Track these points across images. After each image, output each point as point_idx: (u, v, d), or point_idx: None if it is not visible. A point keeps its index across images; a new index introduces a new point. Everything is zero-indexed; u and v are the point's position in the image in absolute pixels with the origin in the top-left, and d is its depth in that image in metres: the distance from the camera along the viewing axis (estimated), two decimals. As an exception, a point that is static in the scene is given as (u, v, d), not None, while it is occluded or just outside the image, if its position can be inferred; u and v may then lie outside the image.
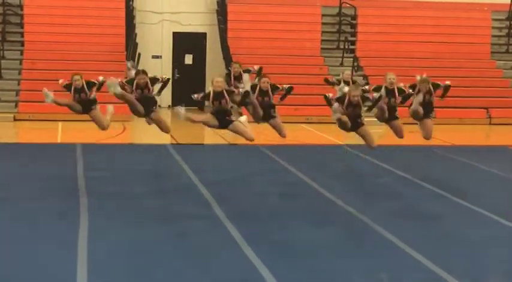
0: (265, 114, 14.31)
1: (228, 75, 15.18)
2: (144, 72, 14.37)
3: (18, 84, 25.27)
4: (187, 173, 15.25)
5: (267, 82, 14.26)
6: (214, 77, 12.86)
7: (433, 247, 10.36)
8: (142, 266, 9.27)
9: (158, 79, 14.52)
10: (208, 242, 10.44)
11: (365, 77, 26.42)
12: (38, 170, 15.43)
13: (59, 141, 19.56)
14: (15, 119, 23.84)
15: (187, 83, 28.73)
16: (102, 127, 14.71)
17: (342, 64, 27.49)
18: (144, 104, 14.07)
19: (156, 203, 12.83)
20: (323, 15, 28.72)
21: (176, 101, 28.64)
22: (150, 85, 14.11)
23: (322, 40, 28.32)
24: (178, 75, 28.78)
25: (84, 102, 14.37)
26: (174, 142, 19.85)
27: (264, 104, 14.19)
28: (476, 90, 26.83)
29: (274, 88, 14.45)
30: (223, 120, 12.81)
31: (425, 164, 15.20)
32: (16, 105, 24.47)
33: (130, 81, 14.34)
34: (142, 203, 12.84)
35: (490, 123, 25.94)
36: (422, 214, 12.54)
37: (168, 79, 14.65)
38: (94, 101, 14.65)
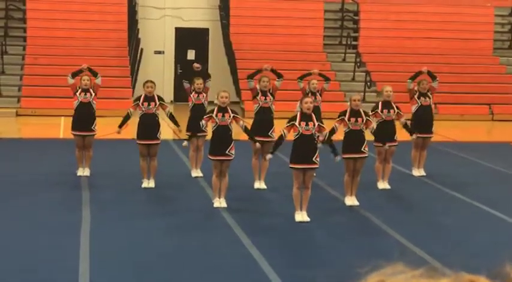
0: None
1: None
2: (152, 81, 13.73)
3: (21, 79, 25.29)
4: (189, 168, 15.25)
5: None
6: (220, 91, 12.15)
7: (432, 240, 10.39)
8: (143, 259, 9.29)
9: (163, 100, 13.83)
10: (208, 235, 10.47)
11: (367, 73, 26.40)
12: (40, 165, 15.45)
13: (61, 136, 19.57)
14: (17, 115, 23.86)
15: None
16: None
17: (344, 60, 27.49)
18: (147, 130, 13.52)
19: (157, 197, 12.85)
20: (325, 11, 28.69)
21: (178, 96, 28.68)
22: (157, 99, 13.39)
23: (325, 36, 28.31)
24: (180, 71, 28.80)
25: None
26: (176, 137, 19.85)
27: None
28: (478, 86, 26.78)
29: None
30: (225, 139, 11.81)
31: (427, 159, 15.22)
32: (18, 101, 24.49)
33: (137, 98, 13.67)
34: (143, 197, 12.87)
35: (493, 120, 25.89)
36: (423, 209, 12.55)
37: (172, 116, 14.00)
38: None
